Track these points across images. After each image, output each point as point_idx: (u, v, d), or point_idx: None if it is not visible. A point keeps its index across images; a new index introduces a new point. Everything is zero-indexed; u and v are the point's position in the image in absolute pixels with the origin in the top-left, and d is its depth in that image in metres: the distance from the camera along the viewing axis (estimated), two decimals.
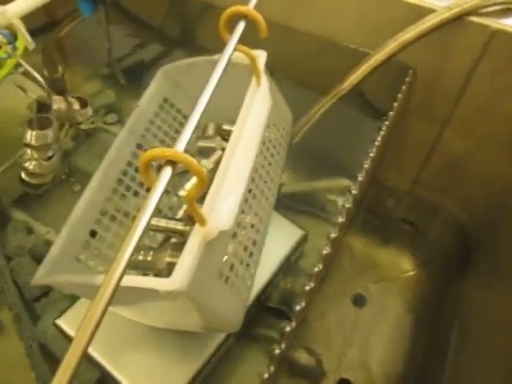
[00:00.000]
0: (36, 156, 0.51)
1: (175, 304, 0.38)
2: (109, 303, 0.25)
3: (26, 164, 0.52)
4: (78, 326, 0.23)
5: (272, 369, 0.46)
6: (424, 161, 0.70)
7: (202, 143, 0.56)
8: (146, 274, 0.48)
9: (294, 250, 0.63)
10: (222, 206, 0.38)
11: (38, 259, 0.68)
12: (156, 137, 0.55)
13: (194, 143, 0.59)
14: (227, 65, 0.40)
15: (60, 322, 0.53)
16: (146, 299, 0.38)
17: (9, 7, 0.41)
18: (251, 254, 0.45)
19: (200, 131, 0.61)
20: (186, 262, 0.34)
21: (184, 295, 0.35)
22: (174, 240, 0.51)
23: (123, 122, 0.81)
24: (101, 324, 0.49)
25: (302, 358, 0.75)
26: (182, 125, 0.59)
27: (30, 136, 0.50)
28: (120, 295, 0.38)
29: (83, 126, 0.57)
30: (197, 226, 0.36)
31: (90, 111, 0.57)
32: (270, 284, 0.57)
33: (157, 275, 0.47)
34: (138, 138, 0.53)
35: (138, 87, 0.79)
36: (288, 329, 0.41)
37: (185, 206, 0.54)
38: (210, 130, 0.59)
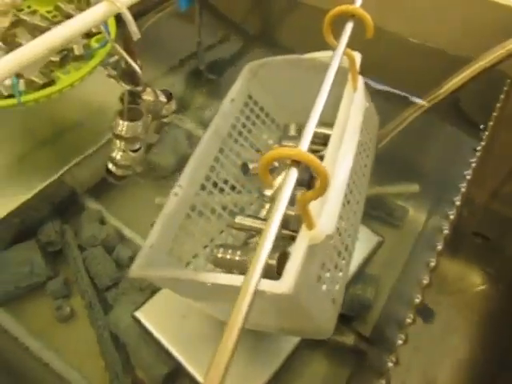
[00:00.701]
0: (124, 147, 0.52)
1: (275, 306, 0.38)
2: (250, 307, 0.24)
3: (114, 154, 0.53)
4: (228, 327, 0.23)
5: None
6: (508, 175, 0.66)
7: (286, 143, 0.55)
8: (230, 273, 0.48)
9: (370, 257, 0.61)
10: (328, 210, 0.37)
11: (110, 250, 0.70)
12: (241, 134, 0.55)
13: (264, 142, 0.59)
14: (338, 67, 0.39)
15: (138, 314, 0.53)
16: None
17: None
18: (343, 259, 0.44)
19: (280, 131, 0.60)
20: (295, 265, 0.33)
21: (291, 298, 0.34)
22: (257, 239, 0.50)
23: (196, 117, 0.83)
24: (180, 320, 0.49)
25: None
26: (265, 123, 0.58)
27: (121, 127, 0.50)
28: (221, 293, 0.38)
29: (166, 120, 0.58)
30: (304, 229, 0.36)
31: (173, 105, 0.57)
32: (346, 290, 0.56)
33: (243, 274, 0.47)
34: (225, 135, 0.53)
35: (215, 83, 0.80)
36: (390, 365, 0.40)
37: (267, 206, 0.53)
38: (292, 130, 0.58)
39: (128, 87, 0.51)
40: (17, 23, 0.60)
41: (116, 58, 0.55)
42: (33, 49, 0.37)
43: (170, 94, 0.55)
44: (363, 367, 0.58)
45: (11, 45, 0.57)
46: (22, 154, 0.65)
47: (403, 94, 0.56)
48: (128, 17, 0.41)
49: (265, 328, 0.47)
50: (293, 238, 0.50)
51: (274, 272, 0.44)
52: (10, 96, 0.52)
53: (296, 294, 0.33)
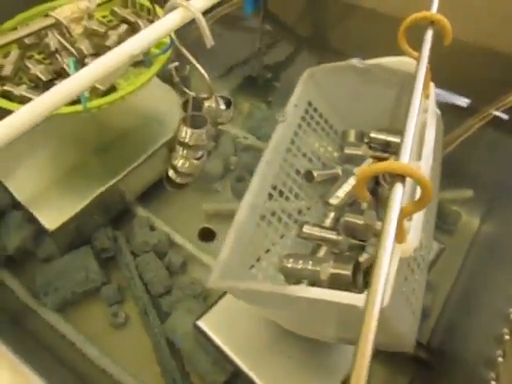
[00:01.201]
0: (187, 155, 0.52)
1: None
2: (376, 328, 0.23)
3: (176, 162, 0.53)
4: (358, 351, 0.22)
5: None
6: None
7: (348, 151, 0.54)
8: (298, 283, 0.47)
9: (433, 264, 0.60)
10: (415, 223, 0.36)
11: (161, 255, 0.70)
12: (303, 141, 0.54)
13: (325, 149, 0.58)
14: (424, 78, 0.38)
15: (201, 323, 0.53)
16: (330, 313, 0.37)
17: (193, 2, 0.41)
18: (421, 271, 0.43)
19: (339, 137, 0.59)
20: (390, 279, 0.33)
21: (384, 312, 0.33)
22: (325, 249, 0.50)
23: (240, 123, 0.82)
24: (242, 330, 0.49)
25: None
26: (324, 129, 0.58)
27: (186, 134, 0.50)
28: (303, 306, 0.37)
29: (223, 127, 0.57)
30: (392, 241, 0.35)
31: (232, 112, 0.56)
32: None
33: (313, 284, 0.46)
34: (288, 143, 0.52)
35: (266, 89, 0.79)
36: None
37: (332, 215, 0.52)
38: (352, 137, 0.57)
39: (193, 94, 0.51)
40: None
41: (175, 64, 0.55)
42: (115, 57, 0.37)
43: (230, 101, 0.55)
44: (427, 376, 0.57)
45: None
46: (75, 164, 0.65)
47: (466, 100, 0.54)
48: (202, 23, 0.41)
49: (341, 341, 0.47)
50: (362, 248, 0.49)
51: (350, 283, 0.43)
52: (74, 102, 0.52)
53: (389, 308, 0.33)
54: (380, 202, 0.52)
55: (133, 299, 0.66)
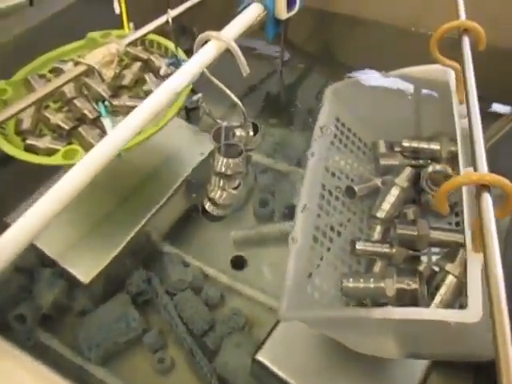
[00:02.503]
0: (224, 185, 0.51)
1: (446, 334, 0.36)
2: None
3: (213, 194, 0.51)
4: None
5: None
6: None
7: (384, 162, 0.54)
8: (360, 301, 0.46)
9: None
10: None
11: (197, 291, 0.68)
12: (338, 157, 0.54)
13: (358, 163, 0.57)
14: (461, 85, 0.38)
15: (261, 357, 0.51)
16: (412, 330, 0.36)
17: (223, 33, 0.41)
18: None
19: (368, 149, 0.59)
20: (478, 291, 0.32)
21: (476, 326, 0.32)
22: (380, 264, 0.49)
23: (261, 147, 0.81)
24: (302, 357, 0.47)
25: None
26: (355, 144, 0.57)
27: (222, 164, 0.49)
28: (388, 327, 0.36)
29: (251, 153, 0.57)
30: (472, 252, 0.34)
31: (260, 137, 0.56)
32: None
33: (376, 302, 0.45)
34: (324, 161, 0.52)
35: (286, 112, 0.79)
36: None
37: (378, 228, 0.51)
38: (382, 148, 0.57)
39: (225, 123, 0.50)
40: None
41: (199, 96, 0.55)
42: (161, 97, 0.36)
43: (257, 126, 0.54)
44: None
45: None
46: (101, 213, 0.64)
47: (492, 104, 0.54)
48: (237, 52, 0.41)
49: (407, 356, 0.45)
50: (418, 258, 0.49)
51: (417, 296, 0.42)
52: None
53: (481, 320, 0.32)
54: (424, 209, 0.51)
55: (176, 342, 0.64)
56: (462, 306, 0.42)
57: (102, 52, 0.41)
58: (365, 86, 0.56)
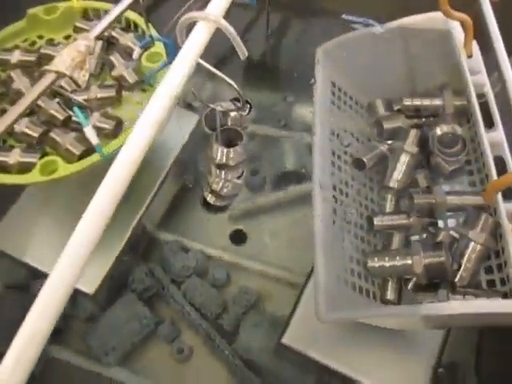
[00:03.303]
0: (227, 176, 0.47)
1: None
2: None
3: (215, 186, 0.48)
4: None
5: None
6: None
7: (388, 125, 0.51)
8: (387, 280, 0.46)
9: None
10: None
11: (204, 274, 0.66)
12: (339, 126, 0.50)
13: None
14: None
15: (287, 340, 0.51)
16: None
17: (209, 11, 0.35)
18: None
19: (365, 110, 0.56)
20: None
21: None
22: (398, 237, 0.47)
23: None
24: (326, 334, 0.46)
25: None
26: (352, 107, 0.54)
27: (223, 155, 0.45)
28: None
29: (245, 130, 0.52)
30: None
31: (252, 114, 0.51)
32: None
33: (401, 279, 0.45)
34: (329, 133, 0.48)
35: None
36: None
37: (390, 197, 0.50)
38: (380, 108, 0.54)
39: (219, 107, 0.45)
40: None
41: None
42: (161, 107, 0.31)
43: (250, 104, 0.49)
44: None
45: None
46: None
47: None
48: (232, 33, 0.35)
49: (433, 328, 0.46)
50: (436, 224, 0.48)
51: (445, 269, 0.42)
52: (81, 156, 0.46)
53: None
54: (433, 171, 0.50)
55: (191, 329, 0.63)
56: (490, 271, 0.42)
57: (70, 53, 0.35)
58: (357, 43, 0.52)
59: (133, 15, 0.54)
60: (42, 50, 0.53)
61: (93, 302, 0.60)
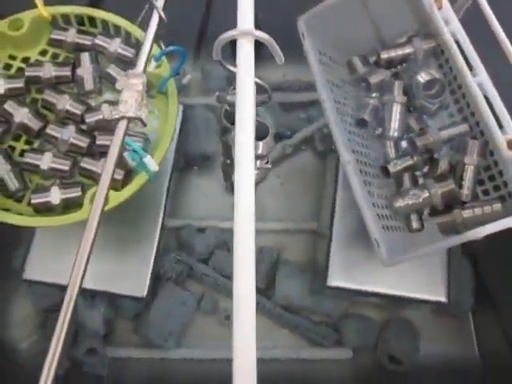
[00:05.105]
0: (259, 165, 0.50)
1: None
2: None
3: None
4: None
5: None
6: None
7: (374, 80, 0.57)
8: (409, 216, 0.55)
9: None
10: None
11: (225, 246, 0.71)
12: (338, 95, 0.56)
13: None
14: None
15: (332, 281, 0.59)
16: None
17: (243, 26, 0.36)
18: None
19: (345, 68, 0.61)
20: None
21: None
22: (407, 176, 0.56)
23: None
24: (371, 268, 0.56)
25: None
26: (335, 69, 0.59)
27: (258, 147, 0.48)
28: None
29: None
30: None
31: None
32: None
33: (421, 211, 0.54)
34: (334, 102, 0.54)
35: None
36: None
37: (390, 144, 0.58)
38: (358, 64, 0.60)
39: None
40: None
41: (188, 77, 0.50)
42: (245, 143, 0.34)
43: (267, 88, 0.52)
44: None
45: None
46: (120, 231, 0.60)
47: None
48: (272, 43, 0.38)
49: None
50: (435, 159, 0.57)
51: (456, 192, 0.52)
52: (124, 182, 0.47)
53: None
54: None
55: (227, 297, 0.69)
56: (482, 183, 0.53)
57: (132, 96, 0.35)
58: (332, 9, 0.56)
59: (113, 18, 0.52)
60: (27, 73, 0.49)
61: (138, 302, 0.62)
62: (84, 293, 0.60)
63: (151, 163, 0.41)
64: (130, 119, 0.35)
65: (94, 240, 0.32)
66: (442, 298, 0.60)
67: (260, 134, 0.49)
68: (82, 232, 0.54)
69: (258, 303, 0.68)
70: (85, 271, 0.31)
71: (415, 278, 0.60)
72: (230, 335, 0.70)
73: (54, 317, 0.61)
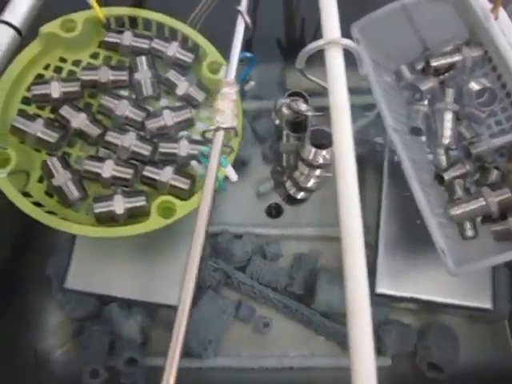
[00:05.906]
0: (318, 173, 0.50)
1: None
2: None
3: (305, 183, 0.50)
4: None
5: None
6: None
7: (424, 87, 0.58)
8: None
9: None
10: None
11: (262, 254, 0.70)
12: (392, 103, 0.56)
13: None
14: None
15: (380, 289, 0.59)
16: None
17: (330, 36, 0.35)
18: None
19: (393, 76, 0.61)
20: None
21: None
22: (458, 183, 0.56)
23: None
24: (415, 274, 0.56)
25: None
26: (387, 84, 0.59)
27: (315, 155, 0.47)
28: None
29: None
30: None
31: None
32: None
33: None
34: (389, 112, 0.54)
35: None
36: None
37: (442, 152, 0.58)
38: (406, 73, 0.60)
39: (309, 112, 0.47)
40: None
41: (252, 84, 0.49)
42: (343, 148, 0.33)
43: (307, 98, 0.51)
44: None
45: None
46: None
47: None
48: (359, 53, 0.37)
49: None
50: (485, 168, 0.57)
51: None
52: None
53: None
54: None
55: (263, 305, 0.68)
56: None
57: (228, 106, 0.34)
58: (389, 20, 0.55)
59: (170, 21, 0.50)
60: (83, 77, 0.47)
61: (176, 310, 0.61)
62: (120, 302, 0.59)
63: (231, 173, 0.40)
64: (225, 130, 0.34)
65: (204, 249, 0.30)
66: (488, 305, 0.60)
67: (321, 143, 0.49)
68: (122, 241, 0.53)
69: (296, 310, 0.67)
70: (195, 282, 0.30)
71: (461, 284, 0.60)
72: (267, 343, 0.70)
73: (89, 325, 0.60)
